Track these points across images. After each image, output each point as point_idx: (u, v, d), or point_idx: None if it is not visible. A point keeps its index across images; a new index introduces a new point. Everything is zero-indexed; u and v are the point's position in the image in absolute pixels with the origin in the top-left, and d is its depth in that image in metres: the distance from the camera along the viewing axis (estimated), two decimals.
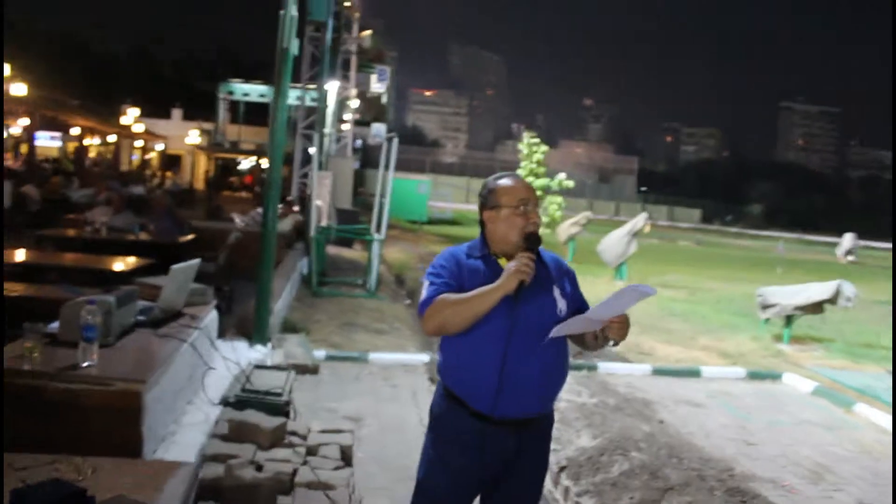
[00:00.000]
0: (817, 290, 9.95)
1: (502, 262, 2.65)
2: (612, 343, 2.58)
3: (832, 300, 9.82)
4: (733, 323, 11.58)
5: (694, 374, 8.00)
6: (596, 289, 13.71)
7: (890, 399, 7.35)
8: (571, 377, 6.94)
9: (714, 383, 7.77)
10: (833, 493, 5.03)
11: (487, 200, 2.70)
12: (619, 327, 2.54)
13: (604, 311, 2.49)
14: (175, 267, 3.99)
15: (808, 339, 10.53)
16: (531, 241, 2.57)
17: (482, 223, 2.73)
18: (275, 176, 6.44)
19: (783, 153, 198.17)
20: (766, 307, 10.30)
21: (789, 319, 10.21)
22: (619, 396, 6.59)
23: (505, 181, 2.71)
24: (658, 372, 7.92)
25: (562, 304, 2.67)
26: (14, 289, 5.26)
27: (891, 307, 15.53)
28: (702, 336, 10.22)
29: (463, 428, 2.61)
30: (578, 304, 2.74)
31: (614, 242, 16.04)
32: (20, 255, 7.31)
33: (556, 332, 2.52)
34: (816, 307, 9.97)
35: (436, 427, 2.72)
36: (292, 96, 26.05)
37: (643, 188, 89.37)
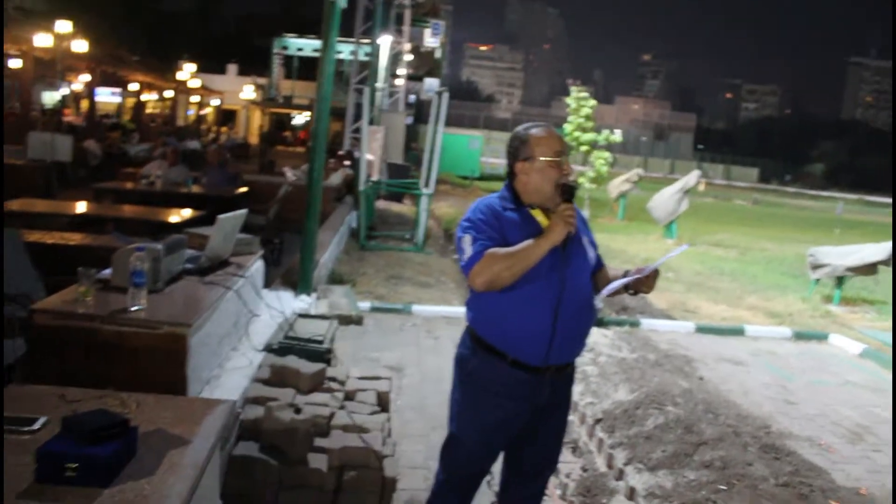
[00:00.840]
0: (871, 251, 9.74)
1: (535, 213, 2.66)
2: (631, 292, 2.66)
3: (887, 261, 9.61)
4: (783, 283, 11.42)
5: (738, 332, 7.95)
6: (646, 246, 13.68)
7: None
8: (613, 332, 7.03)
9: (758, 342, 7.72)
10: (871, 453, 5.01)
11: (520, 151, 2.68)
12: (653, 282, 2.63)
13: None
14: (222, 217, 4.12)
15: (859, 301, 10.34)
16: (568, 193, 2.58)
17: (512, 174, 2.72)
18: (321, 128, 6.54)
19: (849, 111, 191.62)
20: (816, 267, 10.12)
21: (840, 280, 10.03)
22: (660, 353, 6.60)
23: (537, 131, 2.69)
24: (702, 329, 7.90)
25: (591, 253, 2.74)
26: (71, 238, 5.51)
27: None
28: (750, 295, 10.11)
29: (501, 379, 2.65)
30: (596, 250, 2.81)
31: (665, 200, 15.84)
32: (79, 206, 7.60)
33: (606, 292, 2.64)
34: (869, 268, 9.77)
35: (469, 380, 2.74)
36: (345, 51, 26.13)
37: (700, 146, 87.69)
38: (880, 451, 5.05)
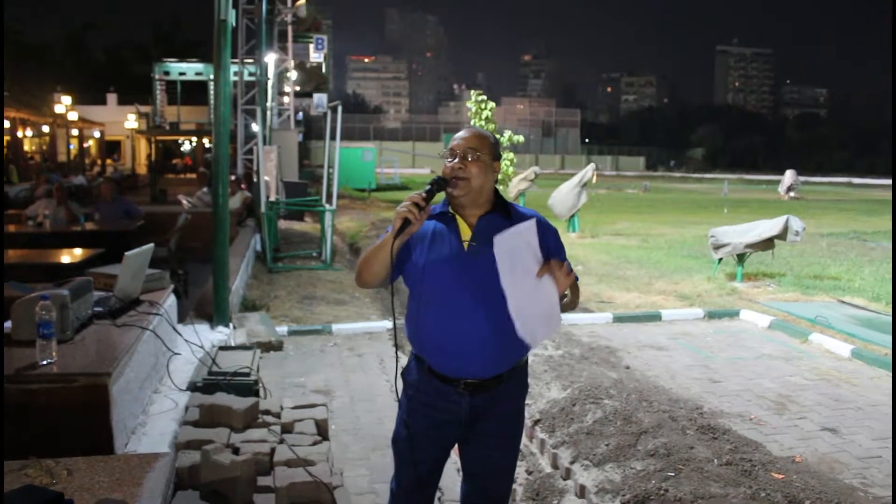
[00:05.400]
0: (767, 227, 10.12)
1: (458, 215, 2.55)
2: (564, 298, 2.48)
3: (781, 235, 10.00)
4: (687, 265, 11.76)
5: (654, 318, 8.12)
6: None
7: (842, 327, 7.59)
8: None
9: (675, 325, 7.90)
10: (797, 421, 5.17)
11: None
12: (556, 274, 2.34)
13: (511, 241, 2.28)
14: (129, 254, 3.87)
15: (760, 276, 10.74)
16: (432, 184, 2.46)
17: None
18: (222, 152, 6.29)
19: (721, 96, 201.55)
20: (718, 247, 10.45)
21: (741, 257, 10.39)
22: (584, 346, 6.65)
23: None
24: (619, 319, 8.02)
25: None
26: None
27: (836, 239, 16.02)
28: (658, 280, 10.35)
29: (423, 385, 2.59)
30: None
31: (565, 195, 16.11)
32: None
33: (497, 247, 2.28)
34: (767, 243, 10.15)
35: (405, 383, 2.69)
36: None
37: (587, 140, 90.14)
38: (804, 417, 5.22)
